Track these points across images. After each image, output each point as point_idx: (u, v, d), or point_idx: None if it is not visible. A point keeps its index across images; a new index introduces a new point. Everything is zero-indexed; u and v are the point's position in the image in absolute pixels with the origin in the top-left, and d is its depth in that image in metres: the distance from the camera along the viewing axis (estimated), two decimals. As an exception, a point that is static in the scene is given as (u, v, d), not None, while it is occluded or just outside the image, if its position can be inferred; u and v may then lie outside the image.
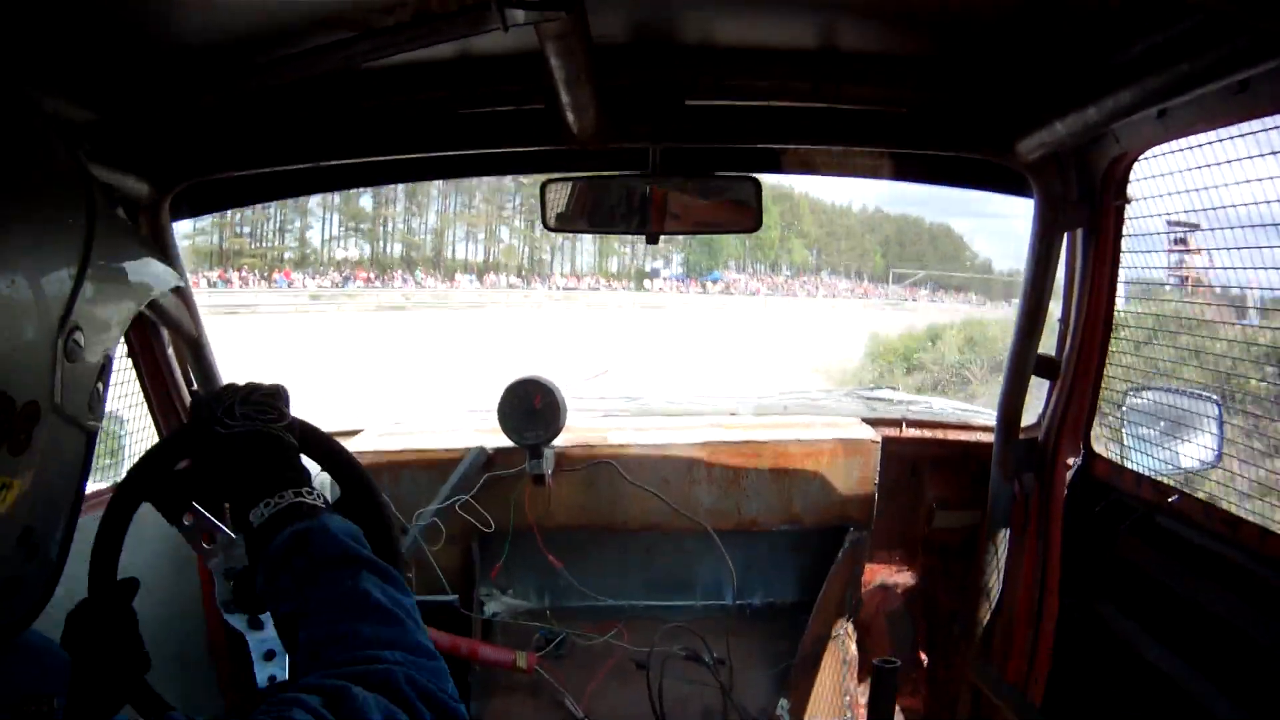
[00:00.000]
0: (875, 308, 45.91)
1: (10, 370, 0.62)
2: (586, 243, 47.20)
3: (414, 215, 45.58)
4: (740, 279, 54.87)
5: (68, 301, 0.67)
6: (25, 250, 0.64)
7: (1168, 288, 1.60)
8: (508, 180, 42.08)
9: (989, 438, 1.95)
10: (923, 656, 2.16)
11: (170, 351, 1.80)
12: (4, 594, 0.67)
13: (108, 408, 1.77)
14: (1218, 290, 1.57)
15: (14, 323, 0.63)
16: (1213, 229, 1.36)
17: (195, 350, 1.80)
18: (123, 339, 1.74)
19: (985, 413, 2.17)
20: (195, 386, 1.85)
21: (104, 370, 0.73)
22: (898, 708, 1.91)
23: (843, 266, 60.88)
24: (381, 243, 44.95)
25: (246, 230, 41.05)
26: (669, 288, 49.95)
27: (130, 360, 1.78)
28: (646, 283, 49.96)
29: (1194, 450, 1.57)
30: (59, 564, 0.73)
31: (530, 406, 1.94)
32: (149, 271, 0.82)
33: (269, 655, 1.12)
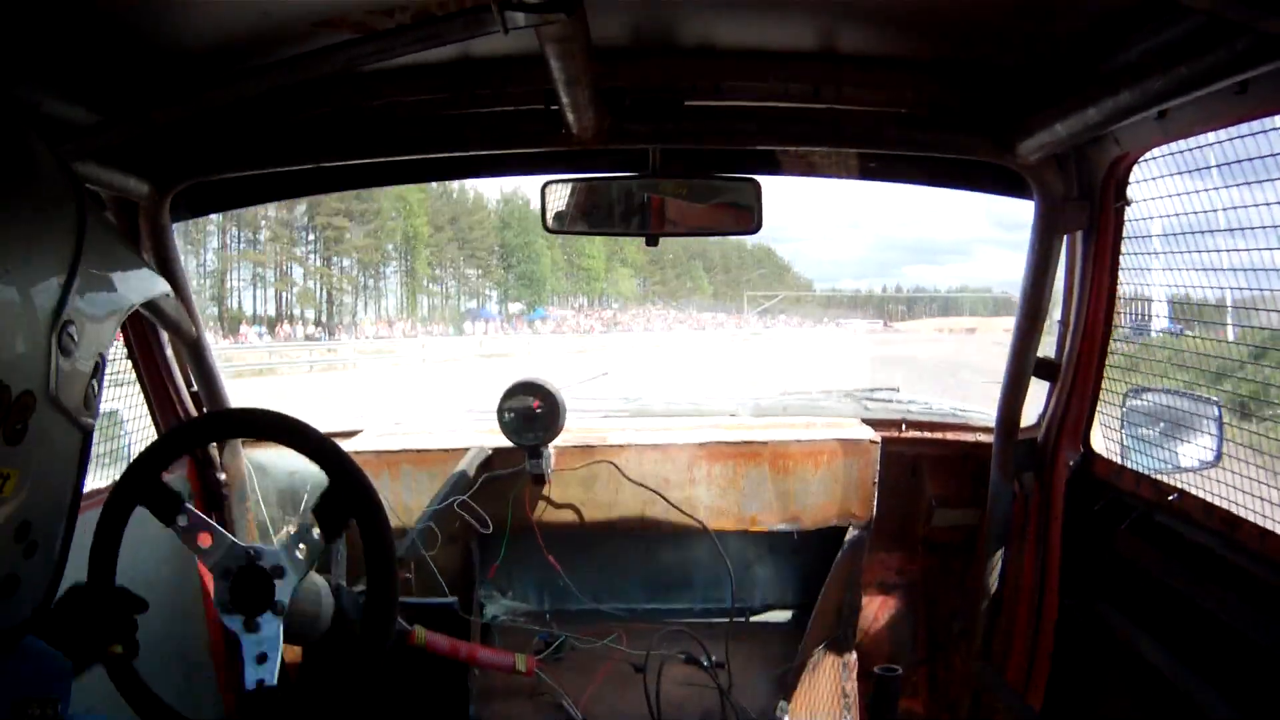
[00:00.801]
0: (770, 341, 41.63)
1: (5, 359, 0.63)
2: (393, 282, 43.27)
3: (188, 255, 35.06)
4: (568, 315, 50.45)
5: (60, 296, 0.68)
6: (16, 246, 0.65)
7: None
8: (299, 208, 38.33)
9: (989, 438, 1.95)
10: (922, 657, 2.16)
11: (170, 352, 1.80)
12: (2, 593, 0.67)
13: (109, 408, 1.78)
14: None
15: (7, 312, 0.64)
16: (1213, 231, 1.36)
17: (195, 351, 1.80)
18: (123, 341, 1.75)
19: (984, 413, 2.17)
20: (194, 387, 1.86)
21: (98, 369, 0.74)
22: (899, 708, 1.91)
23: (671, 296, 58.72)
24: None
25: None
26: (491, 330, 41.87)
27: (130, 361, 1.78)
28: (467, 325, 42.63)
29: (1193, 450, 1.57)
30: (59, 566, 0.73)
31: (529, 408, 1.94)
32: (139, 275, 0.84)
33: (261, 658, 1.13)
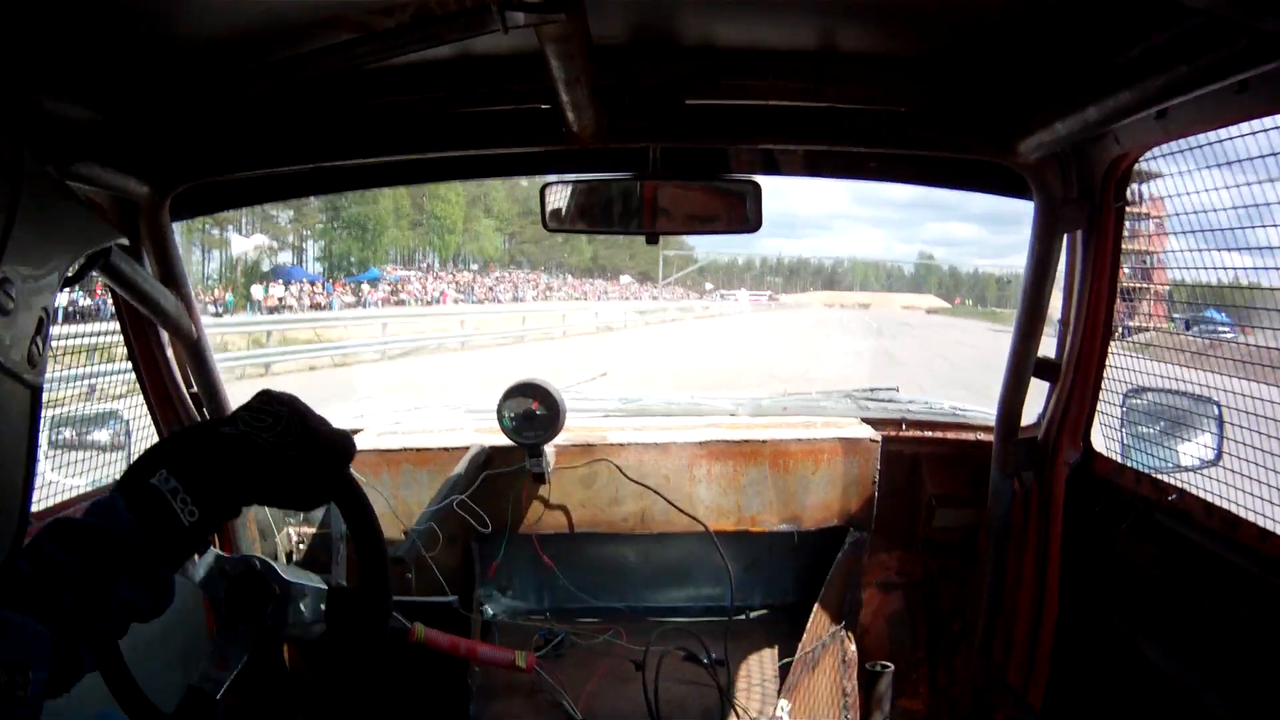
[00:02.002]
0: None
1: None
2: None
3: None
4: (412, 277, 37.89)
5: None
6: None
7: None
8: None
9: (989, 437, 1.95)
10: (922, 656, 2.16)
11: (170, 353, 1.80)
12: None
13: (111, 407, 1.77)
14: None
15: None
16: (1213, 230, 1.36)
17: (194, 351, 1.80)
18: (123, 341, 1.75)
19: (985, 412, 2.17)
20: (194, 388, 1.85)
21: (41, 325, 0.73)
22: (899, 708, 1.91)
23: (545, 257, 49.27)
24: None
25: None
26: (293, 297, 28.40)
27: (130, 362, 1.78)
28: (255, 289, 28.75)
29: (1194, 449, 1.57)
30: (20, 527, 0.72)
31: (529, 408, 1.94)
32: (83, 226, 0.83)
33: (221, 663, 1.12)
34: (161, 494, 0.93)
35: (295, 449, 1.00)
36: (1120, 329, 1.70)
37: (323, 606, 1.19)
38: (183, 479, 0.94)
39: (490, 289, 39.96)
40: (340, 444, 1.05)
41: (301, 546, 2.10)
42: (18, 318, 0.69)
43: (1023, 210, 1.71)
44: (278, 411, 1.00)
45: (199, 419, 1.85)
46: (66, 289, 1.13)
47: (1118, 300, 1.67)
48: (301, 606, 1.17)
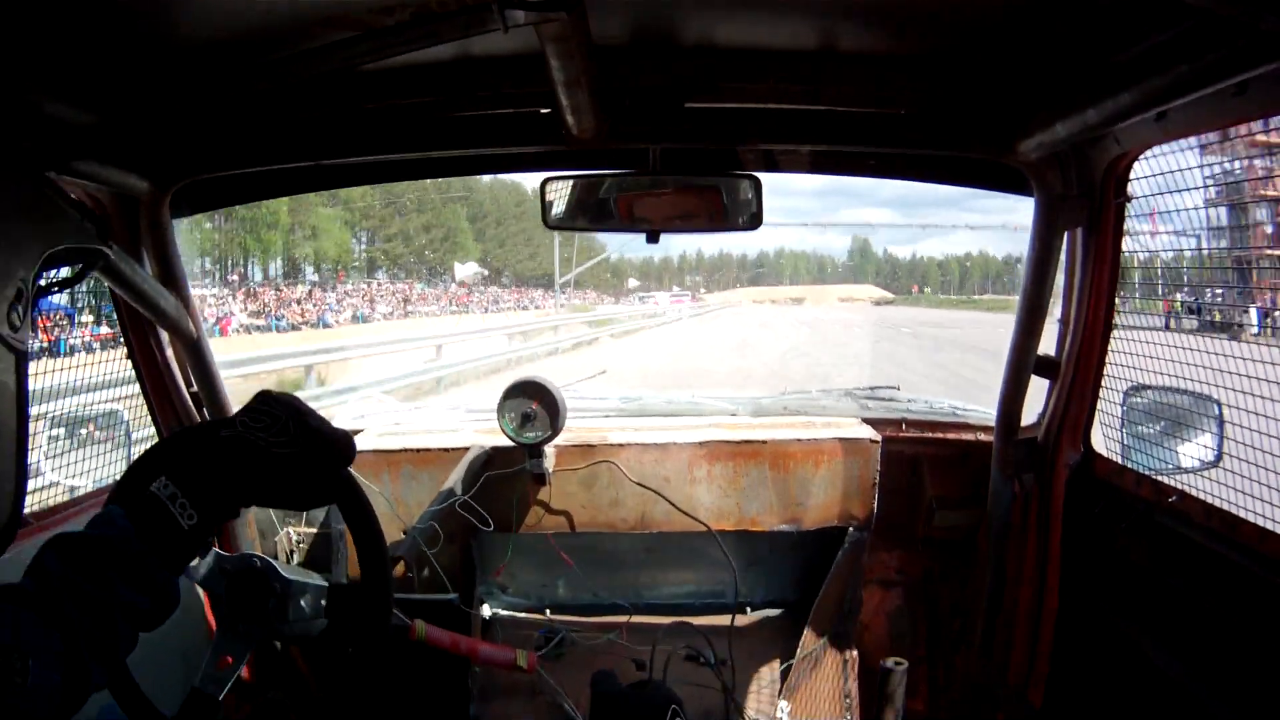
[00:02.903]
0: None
1: None
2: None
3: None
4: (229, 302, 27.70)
5: None
6: None
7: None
8: None
9: (989, 437, 1.95)
10: (922, 656, 2.16)
11: (170, 353, 1.80)
12: None
13: (112, 409, 1.77)
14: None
15: None
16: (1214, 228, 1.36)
17: (194, 351, 1.80)
18: (123, 341, 1.75)
19: (985, 412, 2.17)
20: (194, 388, 1.85)
21: (21, 295, 0.75)
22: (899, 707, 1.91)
23: (417, 259, 39.47)
24: None
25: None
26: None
27: (130, 361, 1.78)
28: None
29: (1194, 449, 1.57)
30: (17, 492, 0.73)
31: (529, 408, 1.94)
32: (53, 213, 0.88)
33: (222, 664, 1.12)
34: (160, 500, 0.92)
35: (293, 449, 0.99)
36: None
37: (323, 603, 1.19)
38: (181, 484, 0.93)
39: (307, 311, 29.03)
40: (340, 444, 1.04)
41: (302, 546, 2.10)
42: None
43: (934, 193, 1.64)
44: (275, 413, 0.99)
45: (199, 419, 1.85)
46: (65, 290, 1.13)
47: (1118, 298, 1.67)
48: (302, 603, 1.17)
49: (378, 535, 1.13)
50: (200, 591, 1.82)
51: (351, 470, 1.11)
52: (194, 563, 1.10)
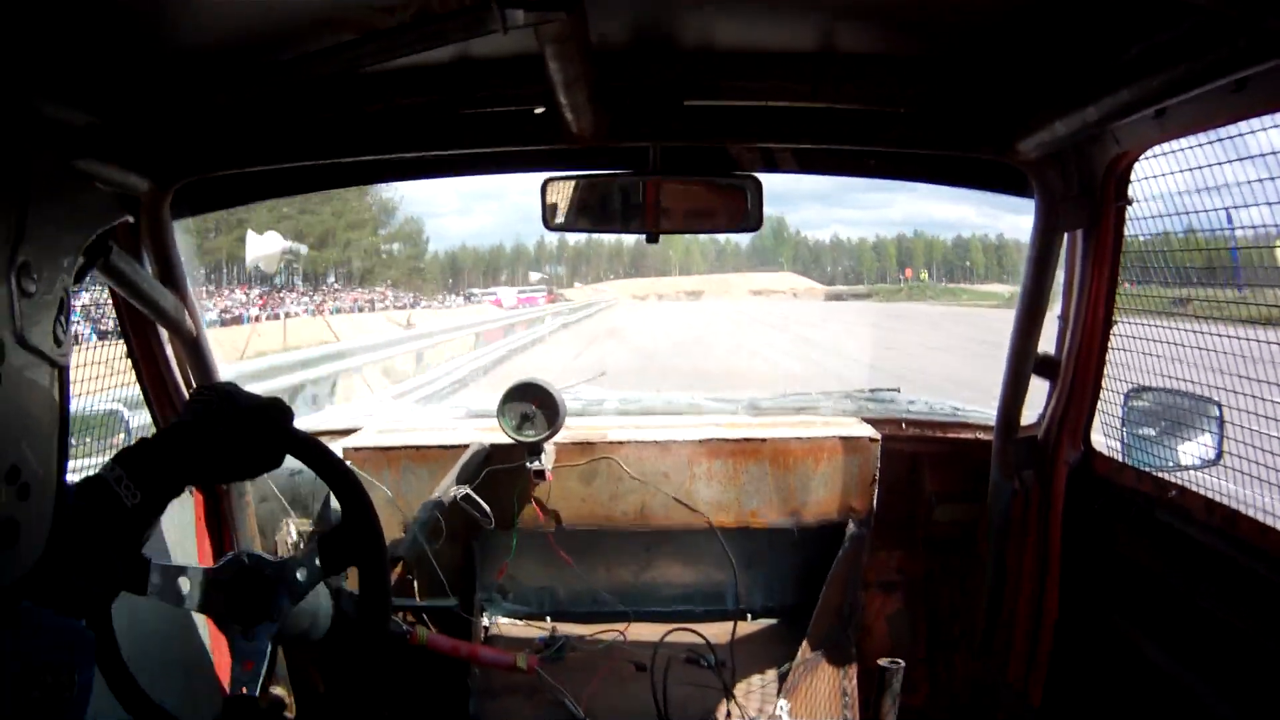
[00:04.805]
0: None
1: None
2: None
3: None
4: None
5: (14, 236, 0.69)
6: None
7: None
8: None
9: (989, 437, 1.95)
10: (922, 655, 2.16)
11: (170, 351, 1.80)
12: (1, 540, 0.68)
13: (111, 406, 1.77)
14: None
15: None
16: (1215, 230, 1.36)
17: (194, 350, 1.80)
18: (123, 342, 1.75)
19: (985, 412, 2.17)
20: (195, 386, 1.85)
21: (63, 306, 0.75)
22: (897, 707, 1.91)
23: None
24: None
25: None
26: None
27: (130, 360, 1.78)
28: None
29: (1194, 449, 1.57)
30: (59, 502, 0.74)
31: (528, 409, 1.94)
32: (95, 204, 0.87)
33: (247, 665, 1.14)
34: (105, 481, 1.01)
35: (223, 424, 1.09)
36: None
37: (324, 603, 1.20)
38: (126, 467, 1.03)
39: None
40: (271, 409, 1.14)
41: (301, 544, 2.10)
42: (40, 299, 0.72)
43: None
44: (208, 398, 1.11)
45: None
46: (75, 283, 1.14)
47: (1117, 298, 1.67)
48: (304, 606, 1.18)
49: (379, 542, 1.17)
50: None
51: (351, 466, 1.16)
52: (185, 589, 1.13)
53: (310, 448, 1.17)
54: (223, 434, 1.09)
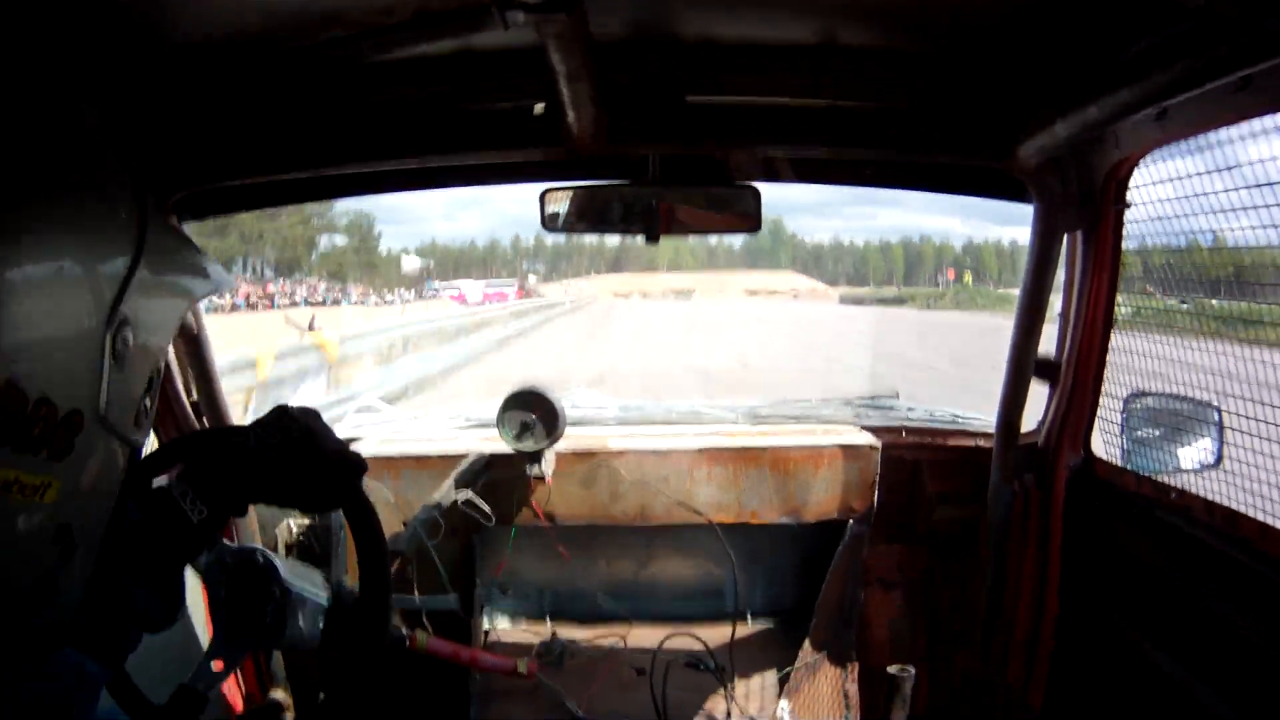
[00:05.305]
0: None
1: (56, 373, 0.60)
2: None
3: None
4: None
5: (119, 291, 0.64)
6: (77, 237, 0.62)
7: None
8: None
9: (989, 444, 1.95)
10: (922, 656, 2.15)
11: (172, 360, 1.79)
12: (39, 595, 0.65)
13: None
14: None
15: (62, 310, 0.61)
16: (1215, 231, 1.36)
17: (196, 361, 1.80)
18: None
19: (984, 419, 2.17)
20: (194, 397, 1.85)
21: (152, 384, 0.71)
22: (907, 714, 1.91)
23: None
24: None
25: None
26: None
27: None
28: None
29: (1193, 453, 1.57)
30: (94, 572, 0.71)
31: (528, 418, 1.94)
32: (199, 271, 0.82)
33: (218, 664, 1.13)
34: (170, 494, 0.95)
35: (302, 466, 1.02)
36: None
37: (321, 623, 1.19)
38: (191, 481, 0.96)
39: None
40: (349, 462, 1.07)
41: (301, 539, 2.09)
42: (131, 372, 0.67)
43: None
44: (289, 430, 1.03)
45: (199, 428, 1.85)
46: None
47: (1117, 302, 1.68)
48: (300, 621, 1.17)
49: (382, 551, 1.14)
50: (201, 593, 1.83)
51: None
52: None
53: (364, 514, 1.12)
54: (298, 475, 1.03)
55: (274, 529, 2.06)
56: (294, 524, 2.07)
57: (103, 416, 0.65)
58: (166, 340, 0.74)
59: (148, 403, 0.71)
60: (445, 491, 1.98)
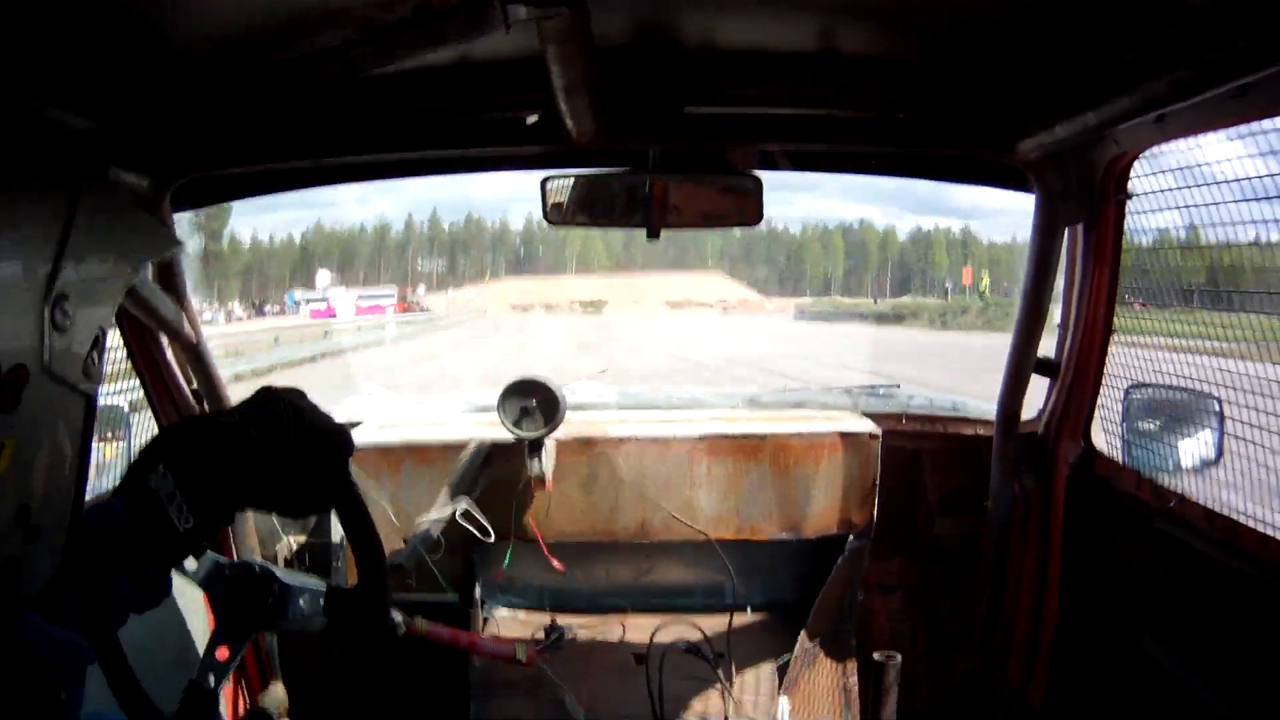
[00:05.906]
0: None
1: None
2: None
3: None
4: None
5: (51, 270, 0.65)
6: (4, 201, 0.63)
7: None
8: None
9: (988, 432, 1.95)
10: (922, 655, 2.16)
11: (170, 355, 1.79)
12: (3, 575, 0.66)
13: (113, 402, 1.76)
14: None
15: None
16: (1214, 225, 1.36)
17: (193, 350, 1.80)
18: (123, 345, 1.74)
19: (985, 407, 2.17)
20: (195, 384, 1.85)
21: (98, 342, 0.71)
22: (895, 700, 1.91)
23: None
24: None
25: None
26: None
27: (130, 364, 1.77)
28: None
29: (1194, 447, 1.57)
30: (73, 528, 0.72)
31: (528, 404, 1.94)
32: (141, 237, 0.82)
33: (223, 659, 1.13)
34: (159, 500, 0.93)
35: (290, 443, 0.99)
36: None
37: (321, 603, 1.20)
38: (179, 477, 0.94)
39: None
40: (337, 439, 1.04)
41: (301, 555, 2.10)
42: (73, 336, 0.68)
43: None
44: (275, 408, 1.00)
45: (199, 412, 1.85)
46: None
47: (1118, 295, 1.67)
48: (301, 602, 1.18)
49: (374, 538, 1.14)
50: (200, 591, 1.84)
51: (351, 470, 1.12)
52: (193, 567, 1.12)
53: (353, 501, 1.11)
54: (287, 454, 0.99)
55: (274, 545, 2.06)
56: (293, 541, 2.07)
57: (48, 369, 0.66)
58: (111, 304, 0.74)
59: (94, 356, 0.71)
60: (443, 502, 1.97)
